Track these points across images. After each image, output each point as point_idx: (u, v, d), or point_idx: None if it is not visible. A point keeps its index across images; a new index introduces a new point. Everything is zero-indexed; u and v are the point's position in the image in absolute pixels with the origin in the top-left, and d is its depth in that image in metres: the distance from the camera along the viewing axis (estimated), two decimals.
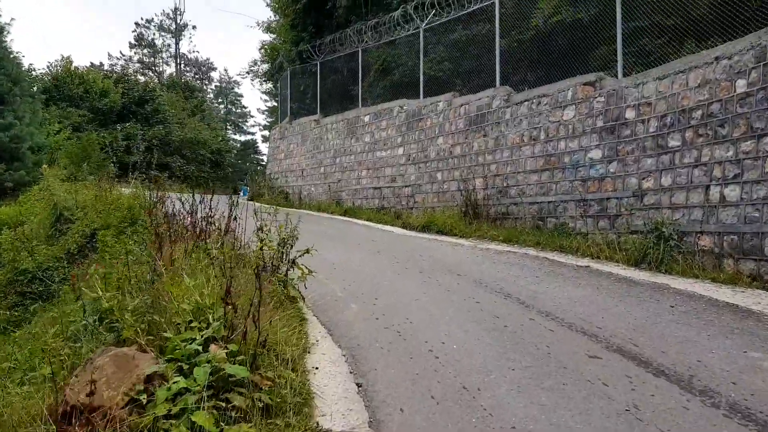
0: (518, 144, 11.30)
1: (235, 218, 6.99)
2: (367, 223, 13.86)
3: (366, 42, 17.65)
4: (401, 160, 14.97)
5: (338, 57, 19.26)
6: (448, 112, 13.44)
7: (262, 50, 36.28)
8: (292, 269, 5.68)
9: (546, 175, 10.61)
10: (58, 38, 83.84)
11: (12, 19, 34.31)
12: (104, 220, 10.14)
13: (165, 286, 3.72)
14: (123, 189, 14.48)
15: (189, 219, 7.47)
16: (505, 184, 11.52)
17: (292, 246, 6.16)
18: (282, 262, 5.76)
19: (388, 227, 12.94)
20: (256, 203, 21.85)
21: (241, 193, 24.72)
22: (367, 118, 16.84)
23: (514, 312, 5.48)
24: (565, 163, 10.25)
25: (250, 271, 5.31)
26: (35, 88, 25.85)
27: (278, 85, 25.88)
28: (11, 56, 19.63)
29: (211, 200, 7.12)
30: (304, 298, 5.77)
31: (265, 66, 37.21)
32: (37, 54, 78.26)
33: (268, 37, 36.00)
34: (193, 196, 7.90)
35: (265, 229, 6.26)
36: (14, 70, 19.05)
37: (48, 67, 31.98)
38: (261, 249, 5.14)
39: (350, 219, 14.87)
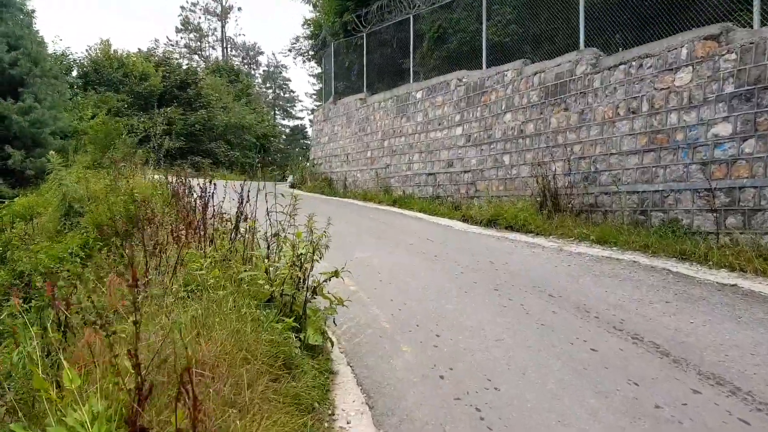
0: (611, 118, 9.03)
1: (245, 217, 5.18)
2: (419, 215, 11.88)
3: (418, 7, 15.52)
4: (460, 142, 12.87)
5: (386, 27, 17.22)
6: (518, 83, 11.23)
7: (305, 25, 34.53)
8: (313, 298, 3.79)
9: (650, 156, 8.33)
10: (106, 25, 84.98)
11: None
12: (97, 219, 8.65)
13: (36, 382, 1.89)
14: (155, 176, 13.20)
15: (191, 217, 5.73)
16: (593, 169, 9.28)
17: (320, 256, 4.25)
18: (302, 286, 3.86)
19: (445, 221, 10.93)
20: (298, 191, 20.29)
21: (289, 180, 23.22)
22: (419, 95, 14.79)
23: (661, 373, 3.42)
24: (677, 141, 7.95)
25: (249, 301, 3.47)
26: (62, 70, 25.04)
27: (322, 63, 24.09)
28: (30, 35, 18.55)
29: (243, 190, 5.38)
30: (332, 342, 3.88)
31: (308, 43, 35.46)
32: (81, 40, 79.49)
33: (311, 12, 34.20)
34: (212, 183, 6.19)
35: (284, 233, 4.45)
36: (34, 49, 17.94)
37: (87, 50, 31.22)
38: (269, 276, 3.31)
39: (400, 210, 12.93)
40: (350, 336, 4.35)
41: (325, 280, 3.82)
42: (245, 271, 3.83)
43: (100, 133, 17.47)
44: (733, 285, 5.35)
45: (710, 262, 6.21)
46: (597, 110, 9.30)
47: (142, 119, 28.51)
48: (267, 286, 3.65)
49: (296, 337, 3.42)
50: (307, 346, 3.47)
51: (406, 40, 16.06)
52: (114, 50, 30.81)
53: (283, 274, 3.62)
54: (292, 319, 3.48)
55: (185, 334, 2.53)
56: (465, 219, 10.66)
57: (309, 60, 38.40)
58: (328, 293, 3.94)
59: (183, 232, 5.13)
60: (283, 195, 5.38)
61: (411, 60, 15.88)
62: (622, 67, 8.95)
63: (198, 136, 32.09)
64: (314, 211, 4.51)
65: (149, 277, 3.82)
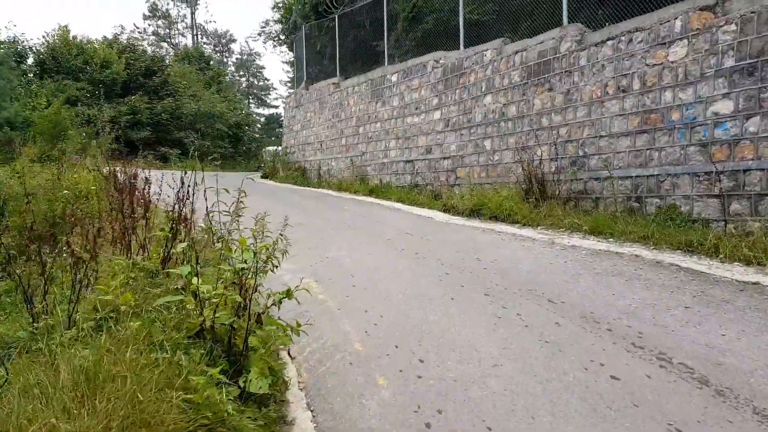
0: (599, 98, 8.36)
1: (184, 218, 4.35)
2: (397, 205, 11.12)
3: None
4: (438, 126, 12.11)
5: (359, 7, 16.32)
6: (498, 63, 10.48)
7: (275, 8, 33.26)
8: (258, 328, 2.99)
9: (643, 138, 7.69)
10: (69, 13, 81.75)
11: None
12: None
13: None
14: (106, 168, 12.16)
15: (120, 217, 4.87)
16: (581, 153, 8.62)
17: (274, 266, 3.45)
18: (243, 313, 3.03)
19: (425, 211, 10.19)
20: (270, 181, 19.33)
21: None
22: (394, 78, 13.96)
23: (707, 413, 2.73)
24: (672, 121, 7.32)
25: (172, 335, 2.67)
26: (13, 56, 23.49)
27: (293, 47, 23.04)
28: None
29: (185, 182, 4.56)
30: (287, 382, 3.11)
31: (279, 27, 34.21)
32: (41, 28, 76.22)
33: None
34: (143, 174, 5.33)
35: (229, 236, 3.68)
36: None
37: (44, 36, 29.56)
38: (198, 301, 2.52)
39: (377, 200, 12.16)
40: (314, 363, 3.58)
41: (273, 304, 3.03)
42: (176, 290, 3.02)
43: (48, 123, 16.28)
44: (755, 283, 4.71)
45: (721, 255, 5.59)
46: (584, 90, 8.62)
47: (104, 108, 27.13)
48: (195, 316, 2.84)
49: (234, 383, 2.63)
50: (250, 395, 2.68)
51: (380, 21, 15.19)
52: (73, 36, 29.22)
53: (214, 298, 2.81)
54: (224, 361, 2.68)
55: (51, 405, 1.75)
56: (446, 209, 9.94)
57: (280, 44, 37.16)
58: (280, 319, 3.16)
59: (108, 236, 4.30)
60: (227, 190, 4.57)
61: (385, 42, 15.03)
62: (610, 42, 8.26)
63: (165, 126, 30.78)
64: (283, 204, 3.73)
65: (47, 303, 2.99)
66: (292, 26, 22.41)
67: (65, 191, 7.41)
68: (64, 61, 27.41)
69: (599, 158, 8.29)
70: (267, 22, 39.17)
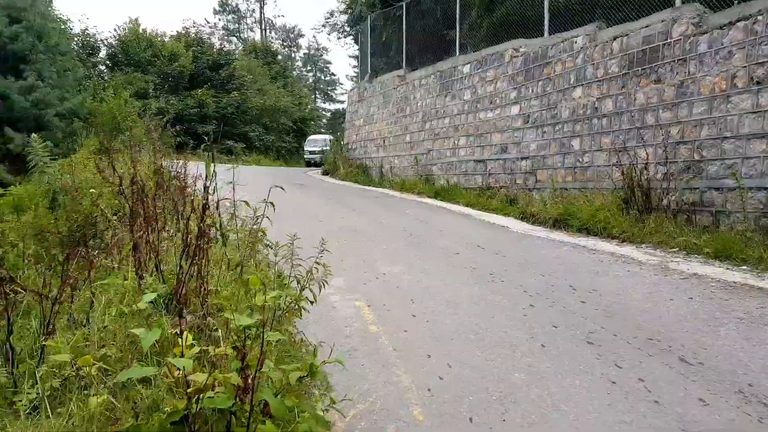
0: (724, 92, 6.82)
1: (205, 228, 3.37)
2: (466, 210, 9.90)
3: None
4: (516, 123, 10.77)
5: None
6: (591, 51, 9.04)
7: None
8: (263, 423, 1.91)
9: None
10: (142, 7, 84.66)
11: None
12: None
13: None
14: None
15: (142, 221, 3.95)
16: (697, 157, 7.10)
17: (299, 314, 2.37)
18: (246, 397, 1.94)
19: (498, 218, 8.93)
20: (330, 179, 18.53)
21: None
22: (466, 69, 12.71)
23: None
24: None
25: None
26: (85, 48, 23.75)
27: (358, 38, 22.15)
28: (33, 7, 17.20)
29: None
30: None
31: (344, 18, 33.48)
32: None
33: None
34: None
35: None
36: (38, 22, 16.58)
37: (115, 29, 30.16)
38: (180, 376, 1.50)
39: (443, 204, 10.97)
40: None
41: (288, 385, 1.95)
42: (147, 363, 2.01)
43: (110, 114, 16.08)
44: None
45: None
46: (703, 81, 7.10)
47: (171, 101, 27.33)
48: (177, 398, 1.83)
49: None
50: None
51: (452, 8, 13.94)
52: (143, 29, 29.65)
53: (197, 380, 1.76)
54: None
55: None
56: (524, 217, 8.65)
57: (345, 36, 36.47)
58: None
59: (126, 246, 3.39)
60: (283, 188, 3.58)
61: (457, 30, 13.78)
62: (741, 24, 6.70)
63: (231, 120, 30.82)
64: (337, 204, 2.78)
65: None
66: (357, 17, 21.53)
67: (92, 189, 6.70)
68: (134, 53, 27.80)
69: (722, 164, 6.75)
70: (332, 13, 38.59)
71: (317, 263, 3.33)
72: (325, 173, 20.05)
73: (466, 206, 10.22)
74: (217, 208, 4.70)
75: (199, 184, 5.23)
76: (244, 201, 4.39)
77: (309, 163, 28.79)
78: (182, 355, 1.91)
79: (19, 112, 15.53)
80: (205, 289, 3.19)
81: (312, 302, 3.27)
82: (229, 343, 2.28)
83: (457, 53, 13.59)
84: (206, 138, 28.42)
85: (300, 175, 19.31)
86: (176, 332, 2.21)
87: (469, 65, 12.63)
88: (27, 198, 10.58)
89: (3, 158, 14.99)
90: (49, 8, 22.52)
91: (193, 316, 2.93)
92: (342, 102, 60.05)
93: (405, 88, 15.68)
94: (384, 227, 8.25)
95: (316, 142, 29.41)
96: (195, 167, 6.06)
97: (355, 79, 44.77)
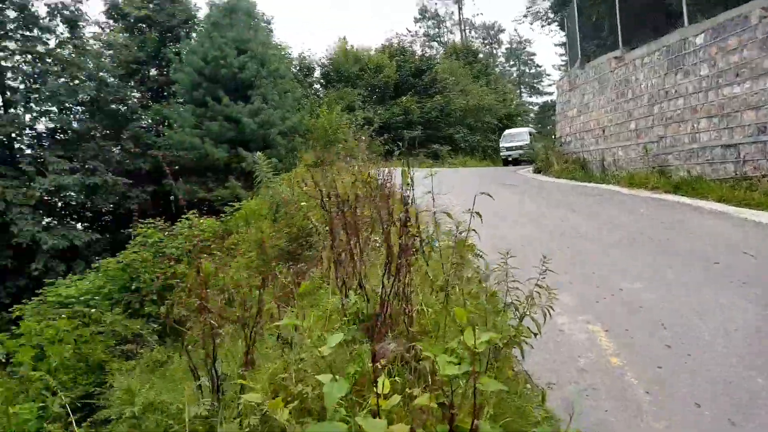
0: None
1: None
2: (719, 207, 8.45)
3: None
4: None
5: None
6: None
7: None
8: None
9: None
10: (349, 26, 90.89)
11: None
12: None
13: None
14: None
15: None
16: None
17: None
18: None
19: (766, 215, 7.43)
20: (543, 177, 17.64)
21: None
22: (699, 40, 10.96)
23: None
24: None
25: None
26: (302, 70, 26.02)
27: (565, 23, 20.80)
28: (256, 37, 19.40)
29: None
30: None
31: (547, 5, 31.80)
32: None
33: None
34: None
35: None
36: (260, 51, 18.74)
37: (326, 50, 33.10)
38: None
39: (686, 199, 9.56)
40: None
41: None
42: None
43: (322, 129, 17.59)
44: None
45: None
46: None
47: (378, 111, 29.02)
48: None
49: None
50: None
51: None
52: (350, 46, 32.05)
53: None
54: None
55: None
56: None
57: (548, 23, 34.67)
58: None
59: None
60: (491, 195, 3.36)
61: None
62: None
63: (435, 123, 31.57)
64: (554, 206, 2.43)
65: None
66: (561, 0, 20.21)
67: (303, 203, 7.16)
68: (344, 70, 30.15)
69: None
70: (534, 0, 37.01)
71: (538, 285, 2.98)
72: (537, 171, 19.19)
73: (719, 202, 8.71)
74: (416, 219, 4.51)
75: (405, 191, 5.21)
76: (446, 212, 4.04)
77: (506, 161, 26.34)
78: (377, 412, 1.78)
79: (249, 133, 17.88)
80: (409, 311, 3.03)
81: (535, 334, 2.90)
82: (432, 395, 2.07)
83: (686, 23, 11.80)
84: (409, 143, 29.41)
85: (509, 175, 18.75)
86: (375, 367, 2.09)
87: (702, 35, 10.87)
88: (256, 211, 11.97)
89: (238, 176, 17.31)
90: (270, 37, 25.61)
91: (395, 344, 2.72)
92: (550, 93, 57.35)
93: (624, 69, 14.19)
94: (614, 231, 7.42)
95: (513, 137, 26.80)
96: (398, 173, 6.01)
97: (563, 68, 42.37)
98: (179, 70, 21.77)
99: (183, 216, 10.71)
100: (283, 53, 26.42)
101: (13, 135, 18.41)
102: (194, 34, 24.72)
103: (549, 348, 3.67)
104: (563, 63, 40.55)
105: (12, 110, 19.36)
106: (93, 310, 7.99)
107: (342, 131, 20.24)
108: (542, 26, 41.28)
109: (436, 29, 55.98)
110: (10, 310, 8.85)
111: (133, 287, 8.99)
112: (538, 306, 2.93)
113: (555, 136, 19.89)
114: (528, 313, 2.94)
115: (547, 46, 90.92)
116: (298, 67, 31.67)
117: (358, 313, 3.20)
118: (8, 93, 19.31)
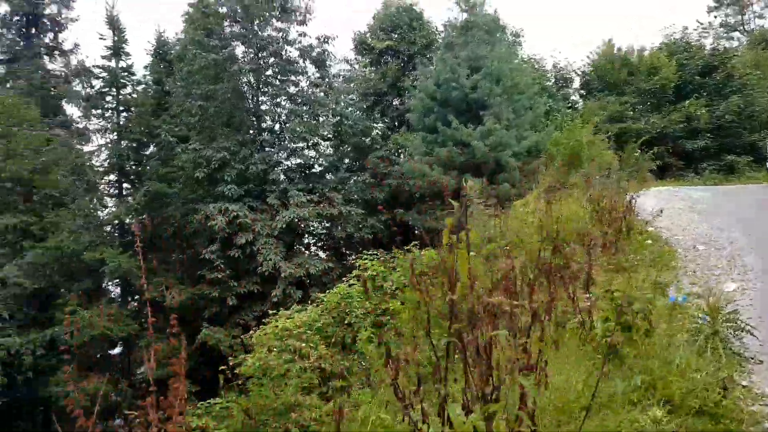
0: None
1: None
2: None
3: None
4: None
5: None
6: None
7: None
8: None
9: None
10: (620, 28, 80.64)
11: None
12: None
13: None
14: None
15: None
16: None
17: None
18: None
19: None
20: None
21: None
22: None
23: None
24: None
25: None
26: (558, 83, 23.07)
27: None
28: (491, 52, 17.37)
29: None
30: None
31: None
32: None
33: None
34: None
35: None
36: (495, 67, 16.63)
37: (588, 56, 28.80)
38: None
39: None
40: None
41: None
42: None
43: (565, 146, 14.60)
44: None
45: None
46: None
47: (651, 120, 24.00)
48: None
49: None
50: None
51: None
52: (617, 49, 27.60)
53: None
54: None
55: None
56: None
57: None
58: None
59: None
60: None
61: None
62: None
63: (730, 129, 24.91)
64: None
65: None
66: None
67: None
68: (608, 76, 25.98)
69: None
70: None
71: None
72: None
73: None
74: None
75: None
76: None
77: None
78: None
79: (479, 157, 16.06)
80: None
81: None
82: None
83: None
84: (691, 155, 23.93)
85: None
86: None
87: None
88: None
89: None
90: (513, 50, 23.44)
91: None
92: None
93: None
94: None
95: None
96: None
97: None
98: (413, 96, 21.38)
99: (404, 247, 10.04)
100: (526, 65, 24.04)
101: (266, 172, 20.17)
102: (434, 58, 24.30)
103: None
104: None
105: (266, 149, 21.42)
106: (303, 345, 8.02)
107: (595, 147, 17.14)
108: None
109: (739, 16, 45.74)
110: (250, 334, 9.25)
111: (346, 321, 8.85)
112: None
113: None
114: None
115: None
116: (553, 79, 28.81)
117: None
118: (265, 134, 21.47)
